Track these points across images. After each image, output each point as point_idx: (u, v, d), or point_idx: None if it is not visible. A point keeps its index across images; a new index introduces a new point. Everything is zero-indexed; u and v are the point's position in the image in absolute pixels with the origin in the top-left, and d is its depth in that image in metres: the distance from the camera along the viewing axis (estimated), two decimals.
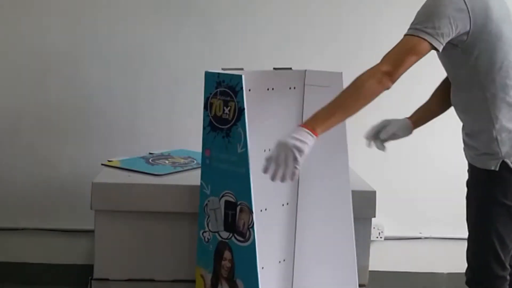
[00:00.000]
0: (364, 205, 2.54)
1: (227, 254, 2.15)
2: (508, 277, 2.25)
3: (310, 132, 1.95)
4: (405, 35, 2.08)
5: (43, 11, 3.27)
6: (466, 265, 2.32)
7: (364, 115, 3.16)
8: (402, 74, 2.04)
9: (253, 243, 2.03)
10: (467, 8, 2.05)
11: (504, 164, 2.13)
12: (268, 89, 2.24)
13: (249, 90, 2.13)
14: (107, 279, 2.55)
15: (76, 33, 3.29)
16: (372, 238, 3.34)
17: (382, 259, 3.39)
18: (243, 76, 2.01)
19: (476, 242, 2.26)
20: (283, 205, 2.41)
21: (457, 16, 2.04)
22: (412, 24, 2.09)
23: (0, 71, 3.30)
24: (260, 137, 2.22)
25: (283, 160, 1.92)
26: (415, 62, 2.05)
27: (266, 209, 2.32)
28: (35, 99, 3.32)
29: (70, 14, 3.28)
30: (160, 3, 3.28)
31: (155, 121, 3.36)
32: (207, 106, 2.15)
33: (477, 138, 2.20)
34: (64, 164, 3.35)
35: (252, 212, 2.03)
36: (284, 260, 2.51)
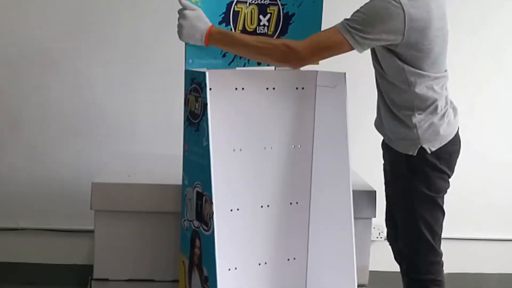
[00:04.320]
0: (364, 205, 2.54)
1: (197, 242, 2.24)
2: (442, 262, 2.37)
3: (203, 36, 2.16)
4: (336, 26, 2.13)
5: (42, 10, 3.27)
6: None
7: (364, 115, 3.17)
8: (309, 63, 2.19)
9: (213, 233, 2.10)
10: (404, 28, 2.08)
11: (422, 150, 2.22)
12: (243, 89, 2.32)
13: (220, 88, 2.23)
14: (107, 279, 2.55)
15: (77, 32, 3.29)
16: (372, 238, 3.33)
17: (382, 259, 3.38)
18: (206, 74, 2.12)
19: (406, 233, 2.34)
20: (267, 205, 2.44)
21: (391, 36, 2.10)
22: (348, 19, 2.13)
23: (0, 70, 3.30)
24: (230, 137, 2.30)
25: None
26: (330, 57, 2.17)
27: (238, 209, 2.37)
28: (35, 99, 3.32)
29: (70, 13, 3.28)
30: (162, 3, 3.28)
31: (155, 121, 3.36)
32: (186, 102, 2.25)
33: (399, 121, 2.26)
34: (64, 164, 3.35)
35: (212, 203, 2.10)
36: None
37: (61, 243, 3.38)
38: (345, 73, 2.30)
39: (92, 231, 2.56)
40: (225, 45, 2.21)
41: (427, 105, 2.22)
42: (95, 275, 2.55)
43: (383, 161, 2.47)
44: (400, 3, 2.07)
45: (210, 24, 2.18)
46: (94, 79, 3.33)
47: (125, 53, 3.31)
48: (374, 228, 3.33)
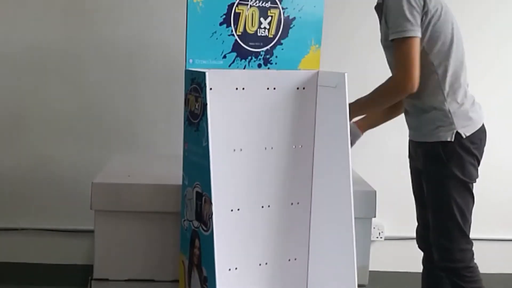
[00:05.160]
0: (364, 205, 2.54)
1: (197, 242, 2.23)
2: (473, 251, 2.42)
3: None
4: (393, 40, 2.32)
5: (43, 10, 3.28)
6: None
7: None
8: (418, 73, 2.29)
9: (212, 233, 2.11)
10: None
11: (458, 135, 2.34)
12: (243, 89, 2.31)
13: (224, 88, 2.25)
14: (107, 279, 2.55)
15: (77, 32, 3.29)
16: (372, 238, 3.34)
17: (382, 259, 3.39)
18: (206, 74, 2.12)
19: (438, 218, 2.42)
20: (268, 206, 2.44)
21: (418, 2, 2.30)
22: (392, 29, 2.32)
23: (1, 71, 3.31)
24: (230, 137, 2.30)
25: None
26: (418, 58, 2.29)
27: (238, 209, 2.36)
28: (35, 99, 3.32)
29: (70, 13, 3.28)
30: (162, 3, 3.28)
31: (155, 121, 3.36)
32: (186, 101, 2.25)
33: (432, 113, 2.39)
34: (64, 164, 3.35)
35: (212, 204, 2.10)
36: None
37: (61, 243, 3.38)
38: (345, 73, 2.30)
39: (92, 231, 2.56)
40: (361, 110, 2.49)
41: (454, 87, 2.42)
42: (95, 275, 2.55)
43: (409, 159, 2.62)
44: None
45: None
46: (94, 79, 3.33)
47: (125, 53, 3.31)
48: (374, 228, 3.34)
